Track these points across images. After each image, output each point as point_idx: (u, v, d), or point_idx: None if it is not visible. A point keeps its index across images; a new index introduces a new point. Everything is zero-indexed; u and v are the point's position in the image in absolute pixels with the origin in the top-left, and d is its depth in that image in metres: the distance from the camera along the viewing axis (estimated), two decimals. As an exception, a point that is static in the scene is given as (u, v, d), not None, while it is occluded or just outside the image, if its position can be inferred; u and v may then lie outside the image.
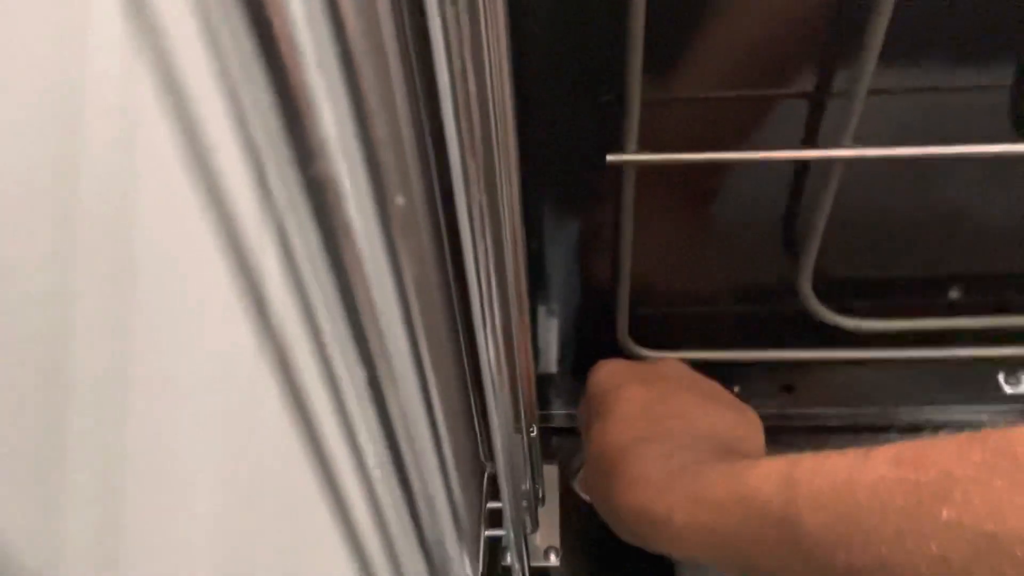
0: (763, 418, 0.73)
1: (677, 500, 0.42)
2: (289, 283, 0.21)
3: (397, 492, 0.22)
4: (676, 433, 0.49)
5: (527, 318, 0.50)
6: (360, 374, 0.18)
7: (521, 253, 0.45)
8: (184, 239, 0.17)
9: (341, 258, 0.14)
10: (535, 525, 0.59)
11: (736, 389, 0.73)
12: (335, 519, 0.25)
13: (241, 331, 0.19)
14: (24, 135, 0.13)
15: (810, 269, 0.56)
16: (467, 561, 0.31)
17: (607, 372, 0.57)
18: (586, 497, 0.71)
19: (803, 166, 0.56)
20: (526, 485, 0.57)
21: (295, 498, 0.23)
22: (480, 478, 0.62)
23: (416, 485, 0.22)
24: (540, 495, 0.65)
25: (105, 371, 0.15)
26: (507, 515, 0.49)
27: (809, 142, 0.54)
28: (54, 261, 0.14)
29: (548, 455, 0.74)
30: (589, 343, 0.76)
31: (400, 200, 0.15)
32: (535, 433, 0.54)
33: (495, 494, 0.64)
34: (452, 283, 0.46)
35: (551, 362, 0.78)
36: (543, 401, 0.77)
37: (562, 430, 0.76)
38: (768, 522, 0.37)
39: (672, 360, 0.58)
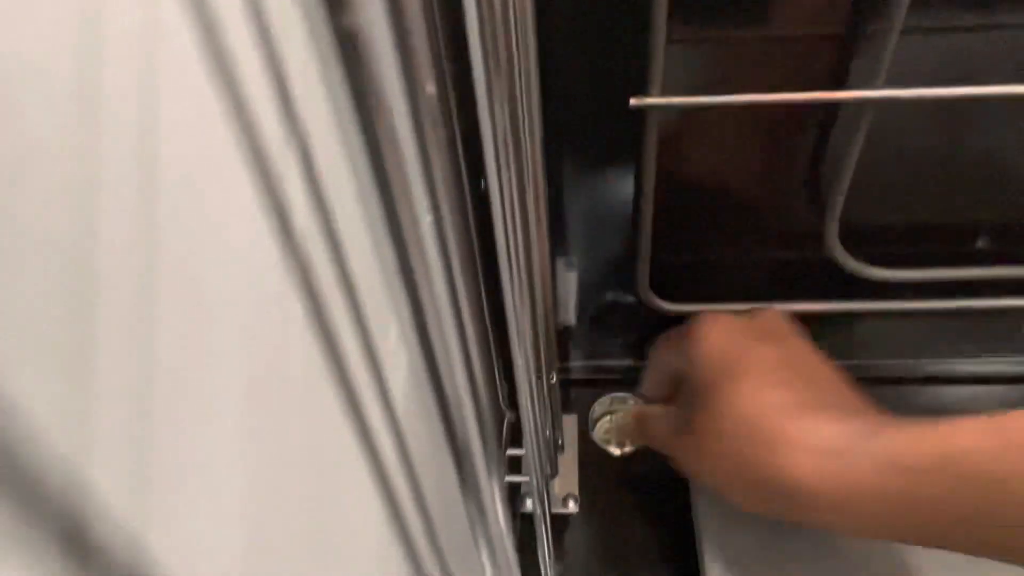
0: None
1: (864, 466, 0.39)
2: (312, 193, 0.21)
3: (430, 404, 0.22)
4: (828, 394, 0.47)
5: (548, 262, 0.49)
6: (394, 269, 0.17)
7: (542, 196, 0.44)
8: (206, 144, 0.17)
9: (376, 143, 0.14)
10: (555, 471, 0.59)
11: (757, 341, 0.73)
12: (360, 443, 0.25)
13: (265, 243, 0.19)
14: (44, 24, 0.12)
15: (836, 217, 0.55)
16: (496, 490, 0.31)
17: (722, 330, 0.52)
18: (609, 448, 0.71)
19: (832, 109, 0.55)
20: (546, 432, 0.57)
21: (320, 420, 0.23)
22: (500, 425, 0.62)
23: (449, 393, 0.22)
24: (560, 443, 0.65)
25: (131, 274, 0.15)
26: (528, 460, 0.49)
27: (838, 85, 0.53)
28: (79, 162, 0.14)
29: (566, 406, 0.75)
30: (608, 295, 0.76)
31: (431, 89, 0.14)
32: (555, 380, 0.54)
33: (514, 441, 0.64)
34: (472, 224, 0.46)
35: (570, 314, 0.78)
36: (561, 353, 0.76)
37: (580, 381, 0.76)
38: (977, 483, 0.35)
39: (772, 311, 0.55)
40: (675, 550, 0.64)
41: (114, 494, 0.13)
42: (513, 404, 0.59)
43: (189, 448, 0.16)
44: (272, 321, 0.20)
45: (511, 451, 0.60)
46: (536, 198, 0.43)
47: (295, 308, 0.20)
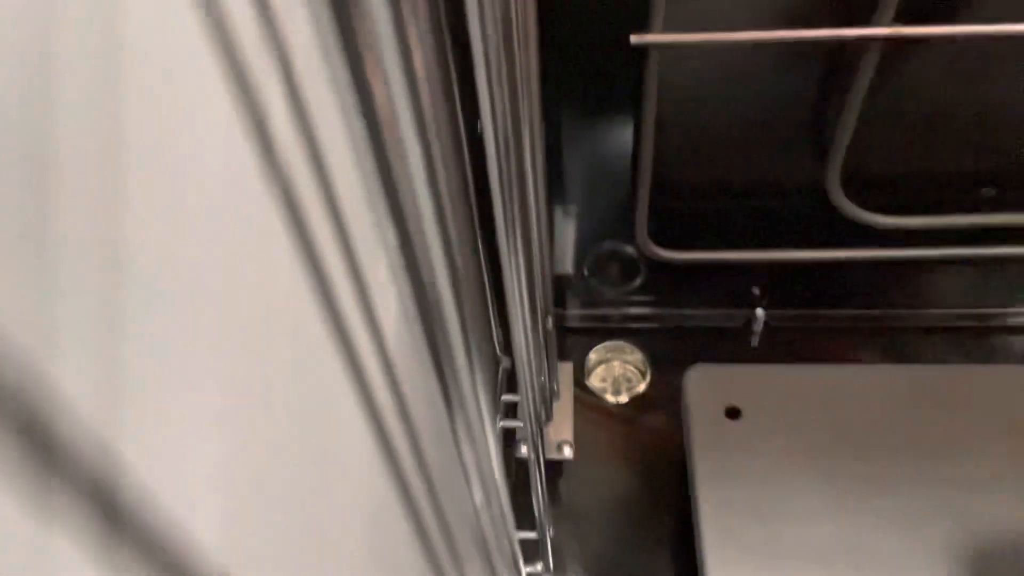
0: (785, 320, 0.73)
1: None
2: (295, 113, 0.20)
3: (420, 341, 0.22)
4: None
5: (544, 207, 0.49)
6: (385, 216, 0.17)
7: (539, 137, 0.43)
8: (179, 49, 0.16)
9: (358, 59, 0.13)
10: (549, 417, 0.59)
11: (756, 291, 0.72)
12: (349, 374, 0.25)
13: (246, 158, 0.18)
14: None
15: (839, 163, 0.54)
16: (490, 433, 0.31)
17: None
18: (605, 396, 0.71)
19: (838, 50, 0.53)
20: (541, 378, 0.57)
21: (307, 345, 0.23)
22: (495, 371, 0.62)
23: (439, 331, 0.22)
24: (555, 389, 0.65)
25: (100, 174, 0.14)
26: (523, 405, 0.49)
27: (844, 24, 0.51)
28: (36, 67, 0.13)
29: (563, 354, 0.74)
30: (606, 243, 0.76)
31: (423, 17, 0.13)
32: (551, 326, 0.54)
33: (510, 388, 0.64)
34: (468, 166, 0.45)
35: (567, 262, 0.77)
36: (558, 301, 0.76)
37: (577, 330, 0.76)
38: None
39: None
40: (669, 497, 0.65)
41: (81, 394, 0.12)
42: (509, 351, 0.59)
43: (164, 359, 0.16)
44: (254, 239, 0.19)
45: (506, 397, 0.59)
46: (532, 139, 0.43)
47: (278, 228, 0.20)
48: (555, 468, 0.67)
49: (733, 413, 0.59)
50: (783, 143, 0.62)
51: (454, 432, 0.32)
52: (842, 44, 0.52)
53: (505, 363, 0.62)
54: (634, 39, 0.48)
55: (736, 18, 0.51)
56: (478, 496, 0.39)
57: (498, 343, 0.59)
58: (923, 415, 0.58)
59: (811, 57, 0.55)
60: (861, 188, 0.60)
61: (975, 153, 0.60)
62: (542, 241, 0.50)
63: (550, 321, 0.54)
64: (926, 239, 0.62)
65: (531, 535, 0.53)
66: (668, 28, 0.50)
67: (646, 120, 0.55)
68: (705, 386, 0.60)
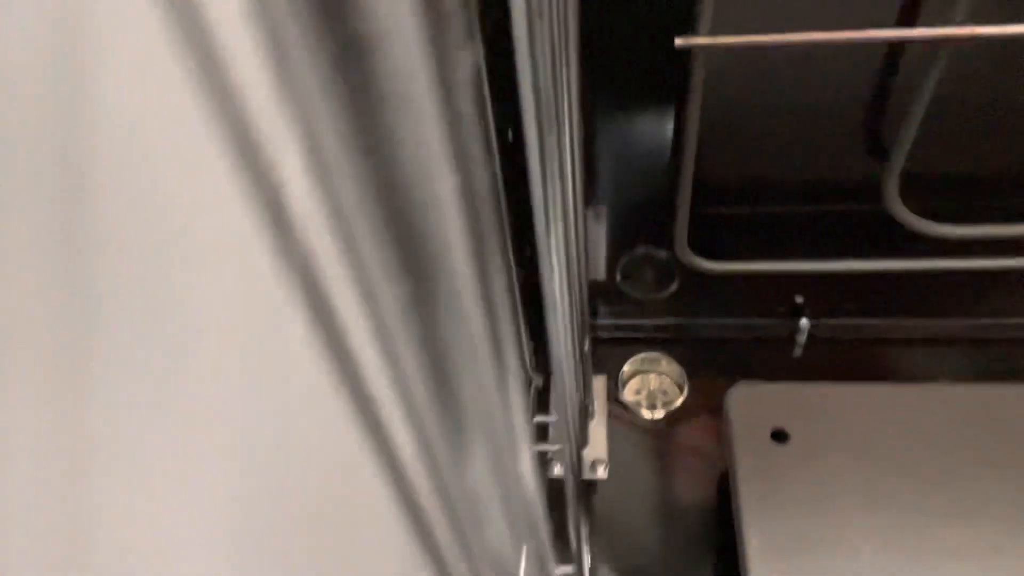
0: (831, 330, 0.69)
1: None
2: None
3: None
4: None
5: (582, 213, 0.45)
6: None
7: (579, 146, 0.39)
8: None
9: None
10: (585, 441, 0.56)
11: (800, 299, 0.68)
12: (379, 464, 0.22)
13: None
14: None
15: (898, 171, 0.50)
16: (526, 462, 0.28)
17: None
18: (640, 412, 0.68)
19: (899, 50, 0.49)
20: (580, 396, 0.54)
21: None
22: (527, 390, 0.59)
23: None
24: (590, 409, 0.62)
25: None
26: (562, 427, 0.46)
27: (905, 23, 0.47)
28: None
29: (596, 366, 0.71)
30: (640, 248, 0.72)
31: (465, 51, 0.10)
32: (588, 346, 0.51)
33: (541, 406, 0.61)
34: (499, 177, 0.42)
35: (599, 268, 0.74)
36: (590, 309, 0.73)
37: (609, 340, 0.73)
38: None
39: None
40: (709, 519, 0.61)
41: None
42: (539, 368, 0.56)
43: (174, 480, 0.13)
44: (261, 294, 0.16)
45: (539, 418, 0.56)
46: (572, 148, 0.39)
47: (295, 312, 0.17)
48: (588, 488, 0.64)
49: (780, 436, 0.56)
50: (833, 145, 0.58)
51: (493, 463, 0.30)
52: (903, 45, 0.48)
53: (537, 381, 0.59)
54: (679, 42, 0.44)
55: (787, 15, 0.48)
56: (515, 525, 0.36)
57: (529, 361, 0.56)
58: (988, 439, 0.54)
59: (869, 57, 0.51)
60: (918, 193, 0.56)
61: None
62: (580, 249, 0.47)
63: (587, 341, 0.50)
64: (987, 248, 0.58)
65: (568, 570, 0.50)
66: (715, 28, 0.46)
67: (689, 126, 0.52)
68: (749, 406, 0.57)
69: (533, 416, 0.56)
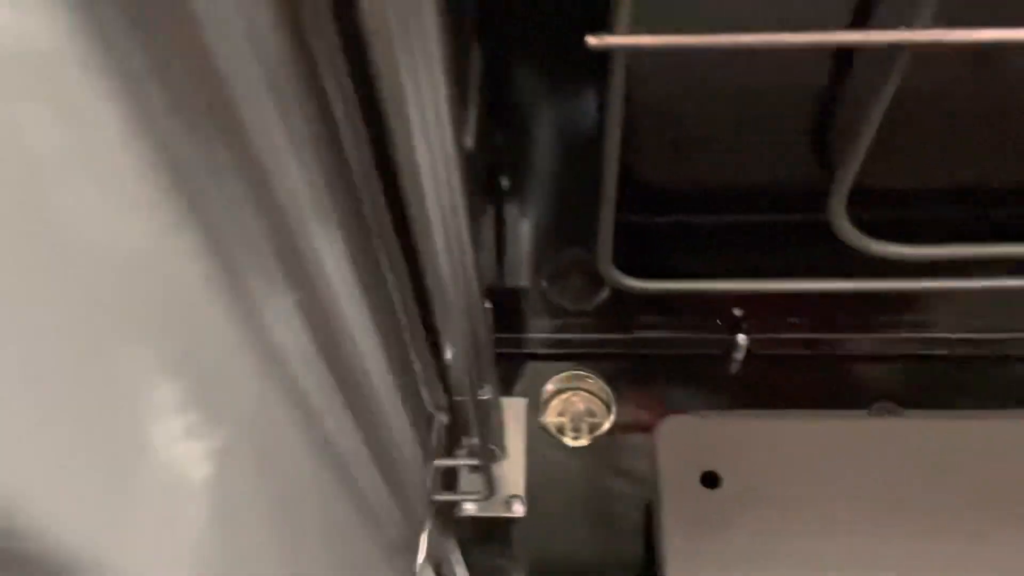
0: (770, 346, 0.63)
1: None
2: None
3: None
4: None
5: (464, 224, 0.38)
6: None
7: (455, 157, 0.32)
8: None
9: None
10: (492, 491, 0.49)
11: (738, 312, 0.62)
12: None
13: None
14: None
15: (845, 189, 0.44)
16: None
17: None
18: (562, 439, 0.61)
19: (848, 55, 0.43)
20: (481, 452, 0.47)
21: None
22: (427, 426, 0.52)
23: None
24: (496, 451, 0.55)
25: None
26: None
27: (857, 24, 0.40)
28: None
29: (512, 384, 0.65)
30: (567, 252, 0.65)
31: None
32: (487, 395, 0.44)
33: (451, 439, 0.55)
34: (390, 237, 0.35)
35: (521, 271, 0.67)
36: (509, 320, 0.66)
37: (532, 356, 0.66)
38: None
39: None
40: (635, 556, 0.56)
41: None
42: (440, 407, 0.49)
43: None
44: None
45: (439, 462, 0.50)
46: (447, 155, 0.31)
47: None
48: (503, 527, 0.58)
49: (710, 480, 0.50)
50: (776, 151, 0.52)
51: None
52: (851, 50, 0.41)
53: (440, 418, 0.52)
54: (592, 42, 0.37)
55: (729, 6, 0.40)
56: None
57: (428, 398, 0.49)
58: (941, 477, 0.49)
59: (817, 53, 0.44)
60: (862, 204, 0.50)
61: (987, 171, 0.50)
62: (467, 265, 0.39)
63: (487, 390, 0.44)
64: (936, 269, 0.52)
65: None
66: (646, 19, 0.38)
67: (610, 133, 0.44)
68: (679, 445, 0.51)
69: (432, 459, 0.49)
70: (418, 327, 0.44)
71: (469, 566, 0.57)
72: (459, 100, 0.37)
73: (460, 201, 0.33)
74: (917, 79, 0.40)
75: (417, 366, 0.46)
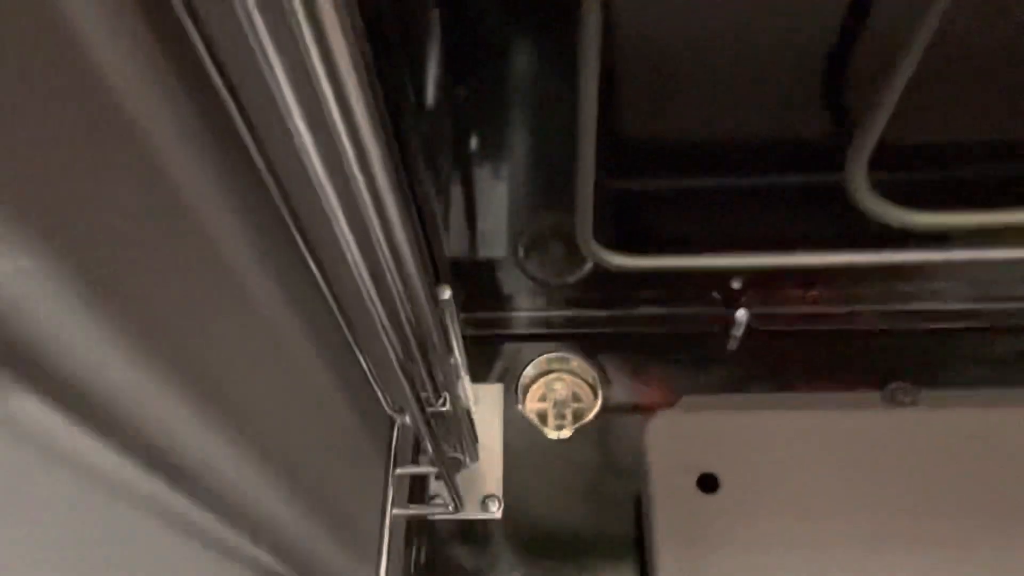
0: (771, 321, 0.57)
1: None
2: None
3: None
4: None
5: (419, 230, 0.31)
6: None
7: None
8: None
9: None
10: (459, 506, 0.43)
11: (737, 285, 0.56)
12: None
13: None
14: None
15: (868, 147, 0.37)
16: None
17: None
18: (544, 430, 0.55)
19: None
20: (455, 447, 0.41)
21: None
22: (388, 429, 0.46)
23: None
24: (463, 457, 0.49)
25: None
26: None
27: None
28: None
29: (488, 369, 0.58)
30: (548, 219, 0.58)
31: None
32: (446, 405, 0.37)
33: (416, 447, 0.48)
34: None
35: (497, 241, 0.60)
36: (485, 295, 0.59)
37: (509, 336, 0.59)
38: None
39: None
40: (622, 558, 0.50)
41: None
42: (400, 409, 0.43)
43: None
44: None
45: (403, 470, 0.43)
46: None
47: None
48: (478, 529, 0.52)
49: (708, 483, 0.44)
50: (781, 104, 0.45)
51: None
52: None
53: (399, 420, 0.45)
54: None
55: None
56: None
57: (386, 401, 0.43)
58: (968, 474, 0.43)
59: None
60: (883, 166, 0.43)
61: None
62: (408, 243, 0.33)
63: (445, 400, 0.37)
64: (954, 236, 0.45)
65: None
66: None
67: (586, 87, 0.37)
68: (672, 444, 0.45)
69: (394, 468, 0.43)
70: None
71: (446, 568, 0.51)
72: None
73: (384, 183, 0.26)
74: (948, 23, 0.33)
75: (367, 365, 0.40)
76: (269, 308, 0.29)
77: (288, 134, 0.21)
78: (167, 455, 0.22)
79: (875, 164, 0.41)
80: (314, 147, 0.21)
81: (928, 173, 0.44)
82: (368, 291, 0.29)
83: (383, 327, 0.30)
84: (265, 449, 0.27)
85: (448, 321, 0.40)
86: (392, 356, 0.32)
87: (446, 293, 0.38)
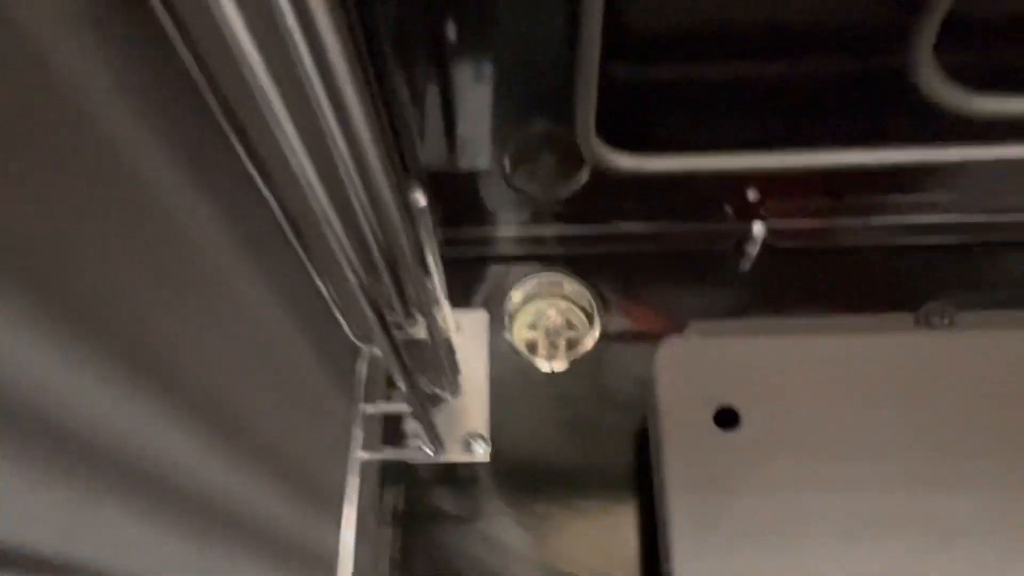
0: (791, 237, 0.51)
1: None
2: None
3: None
4: None
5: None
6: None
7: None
8: None
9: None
10: (437, 449, 0.37)
11: (753, 196, 0.49)
12: None
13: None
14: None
15: (936, 21, 0.30)
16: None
17: None
18: (535, 361, 0.49)
19: None
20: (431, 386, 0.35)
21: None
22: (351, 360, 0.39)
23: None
24: (441, 392, 0.43)
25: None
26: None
27: None
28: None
29: (471, 294, 0.52)
30: (537, 123, 0.51)
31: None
32: (421, 333, 0.31)
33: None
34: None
35: (479, 151, 0.53)
36: (467, 211, 0.52)
37: (496, 258, 0.53)
38: None
39: None
40: (627, 504, 0.45)
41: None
42: (366, 338, 0.36)
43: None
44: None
45: (373, 408, 0.37)
46: None
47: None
48: (462, 473, 0.46)
49: (727, 418, 0.38)
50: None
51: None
52: None
53: (367, 350, 0.39)
54: None
55: None
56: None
57: (350, 329, 0.36)
58: (1009, 405, 0.38)
59: None
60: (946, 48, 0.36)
61: None
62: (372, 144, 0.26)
63: (423, 316, 0.31)
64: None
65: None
66: None
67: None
68: (686, 375, 0.39)
69: (363, 389, 0.37)
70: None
71: (428, 515, 0.46)
72: None
73: (337, 52, 0.19)
74: None
75: (324, 285, 0.33)
76: (185, 216, 0.22)
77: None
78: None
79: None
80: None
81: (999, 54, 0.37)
82: (311, 183, 0.22)
83: (334, 232, 0.24)
84: (174, 384, 0.20)
85: (424, 235, 0.33)
86: (345, 266, 0.25)
87: (421, 200, 0.31)
